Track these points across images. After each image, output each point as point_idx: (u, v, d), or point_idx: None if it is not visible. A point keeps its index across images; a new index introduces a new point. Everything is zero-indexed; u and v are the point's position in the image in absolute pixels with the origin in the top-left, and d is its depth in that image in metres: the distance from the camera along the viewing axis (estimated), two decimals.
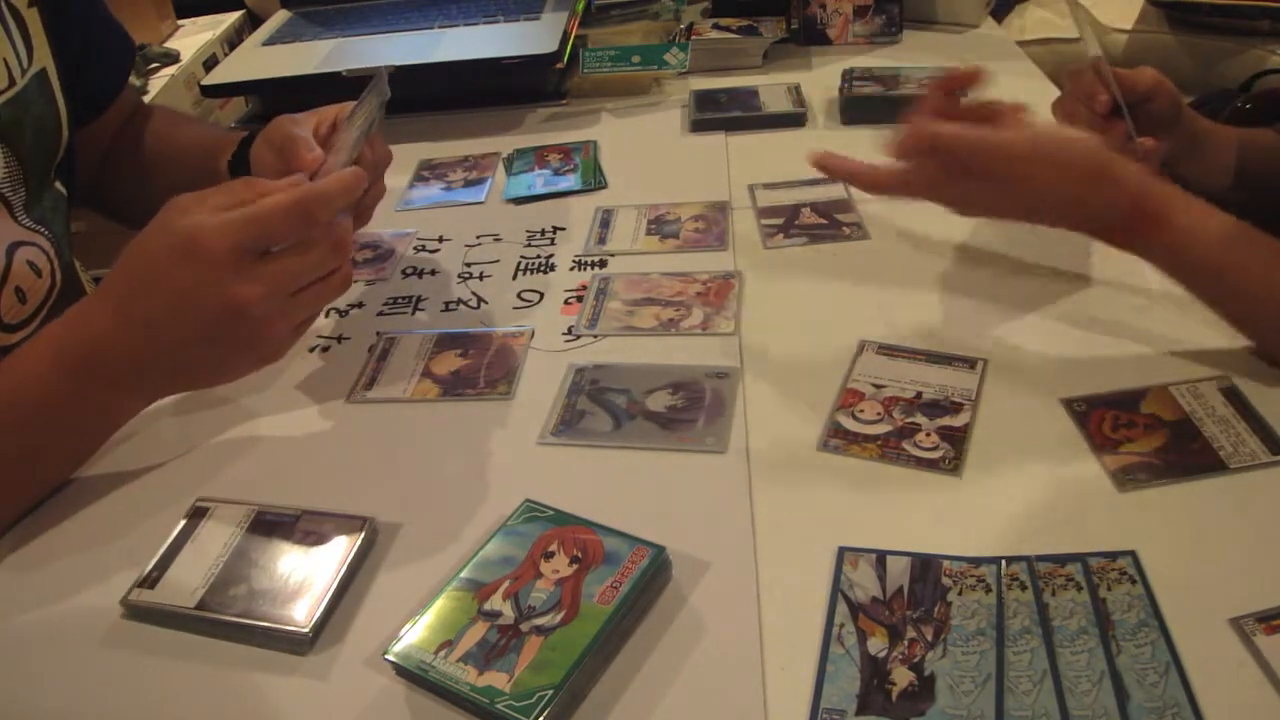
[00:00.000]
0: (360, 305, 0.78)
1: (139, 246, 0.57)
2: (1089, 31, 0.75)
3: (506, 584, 0.50)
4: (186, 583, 0.52)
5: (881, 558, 0.51)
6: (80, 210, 0.91)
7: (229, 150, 0.80)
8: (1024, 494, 0.55)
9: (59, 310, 0.74)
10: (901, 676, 0.45)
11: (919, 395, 0.62)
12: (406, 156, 1.01)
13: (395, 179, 0.96)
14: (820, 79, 1.09)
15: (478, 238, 0.86)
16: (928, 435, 0.59)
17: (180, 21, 1.81)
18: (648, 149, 1.00)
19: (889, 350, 0.66)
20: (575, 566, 0.50)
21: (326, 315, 0.76)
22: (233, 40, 1.79)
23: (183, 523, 0.56)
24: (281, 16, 1.27)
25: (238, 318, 0.55)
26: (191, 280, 0.54)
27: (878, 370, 0.64)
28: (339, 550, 0.53)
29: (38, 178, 0.72)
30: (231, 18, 1.83)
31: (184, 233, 0.54)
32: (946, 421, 0.60)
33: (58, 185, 0.77)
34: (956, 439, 0.58)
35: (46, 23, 0.72)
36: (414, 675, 0.46)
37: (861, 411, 0.61)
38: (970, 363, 0.64)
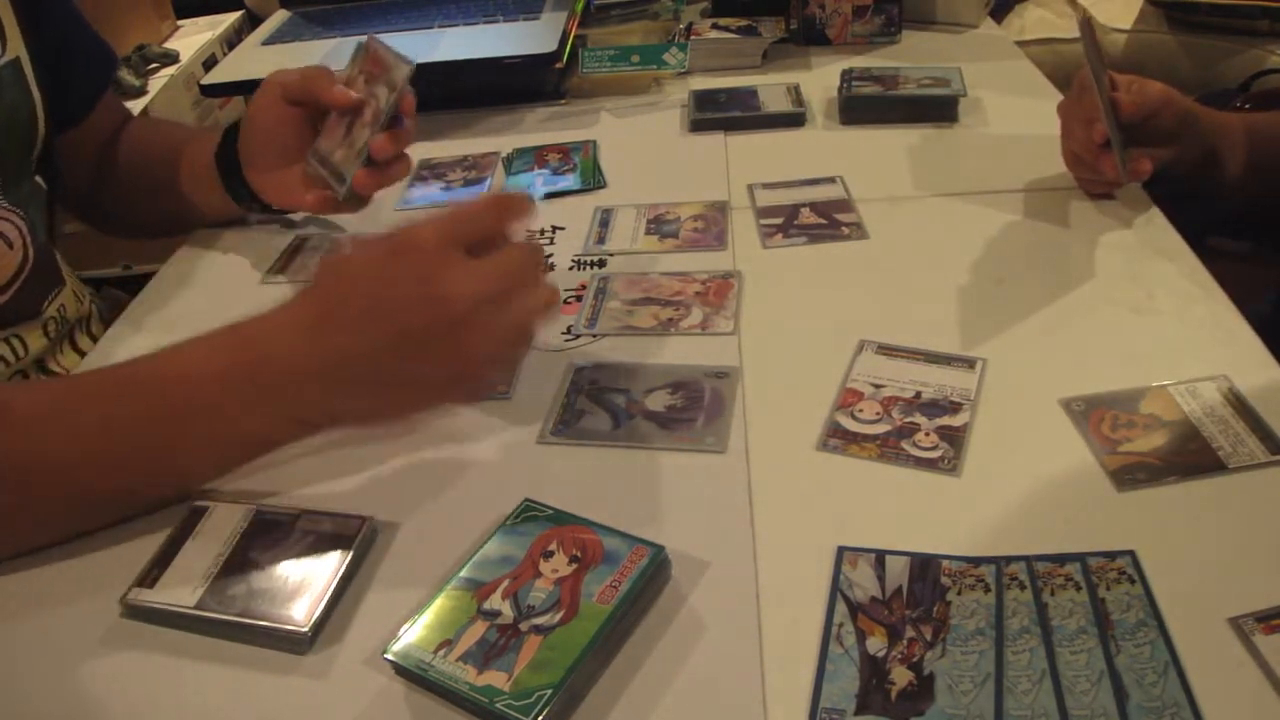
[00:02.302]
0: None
1: (343, 263, 0.55)
2: (1095, 57, 0.74)
3: (506, 583, 0.50)
4: (186, 582, 0.52)
5: (881, 557, 0.51)
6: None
7: (212, 143, 0.81)
8: (1024, 494, 0.55)
9: (32, 286, 0.74)
10: (901, 676, 0.45)
11: (918, 395, 0.62)
12: None
13: None
14: (820, 79, 1.09)
15: None
16: (927, 435, 0.59)
17: (180, 21, 1.82)
18: (647, 149, 1.00)
19: (888, 350, 0.66)
20: (574, 566, 0.50)
21: None
22: (232, 40, 1.79)
23: (182, 522, 0.56)
24: (281, 16, 1.27)
25: (441, 310, 0.51)
26: (398, 272, 0.53)
27: (877, 370, 0.64)
28: (338, 550, 0.53)
29: (15, 164, 0.73)
30: (231, 18, 1.84)
31: (395, 236, 0.54)
32: (946, 421, 0.60)
33: (38, 180, 0.77)
34: (956, 439, 0.58)
35: (20, 16, 0.73)
36: (413, 675, 0.46)
37: (861, 411, 0.61)
38: (969, 363, 0.64)
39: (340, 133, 0.75)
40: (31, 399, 0.57)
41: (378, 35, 0.73)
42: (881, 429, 0.59)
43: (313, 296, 0.55)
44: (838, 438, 0.59)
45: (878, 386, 0.63)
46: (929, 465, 0.57)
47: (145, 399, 0.55)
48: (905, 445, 0.58)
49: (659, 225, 0.84)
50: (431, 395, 0.56)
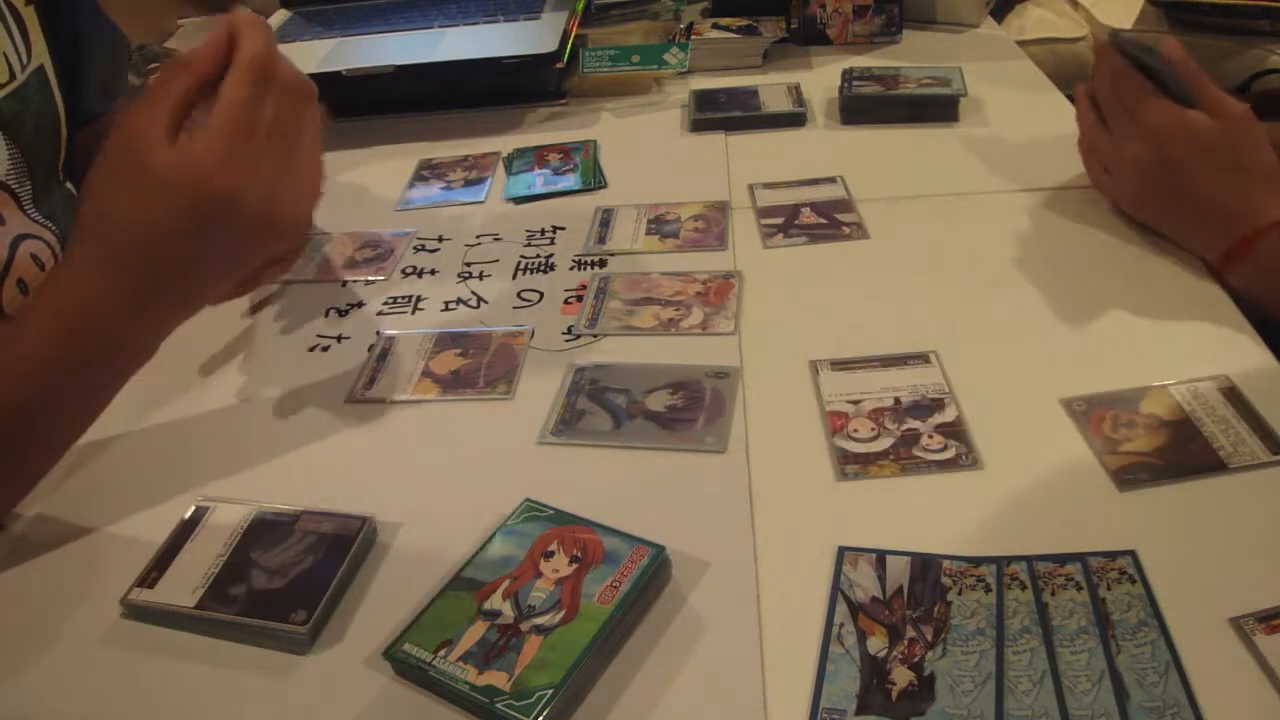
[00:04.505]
0: (360, 305, 0.78)
1: (96, 183, 0.54)
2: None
3: (506, 583, 0.50)
4: (186, 582, 0.52)
5: (881, 557, 0.51)
6: None
7: None
8: (1024, 494, 0.55)
9: None
10: (901, 676, 0.45)
11: (897, 400, 0.61)
12: (406, 156, 1.01)
13: (395, 179, 0.96)
14: (820, 79, 1.09)
15: (478, 237, 0.86)
16: (930, 437, 0.59)
17: (180, 21, 1.82)
18: (647, 149, 1.00)
19: (842, 365, 0.65)
20: (575, 566, 0.50)
21: (326, 315, 0.77)
22: None
23: (183, 522, 0.56)
24: (281, 16, 1.27)
25: (200, 193, 0.52)
26: (138, 184, 0.52)
27: (843, 386, 0.63)
28: (339, 550, 0.53)
29: (43, 173, 0.72)
30: None
31: (114, 143, 0.53)
32: (939, 419, 0.59)
33: (69, 186, 0.77)
34: (959, 433, 0.58)
35: (43, 21, 0.73)
36: (414, 675, 0.47)
37: (856, 431, 0.60)
38: (924, 357, 0.64)
39: None
40: None
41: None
42: (886, 443, 0.59)
43: (90, 226, 0.55)
44: (853, 463, 0.57)
45: (855, 402, 0.62)
46: (951, 465, 0.56)
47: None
48: (917, 452, 0.58)
49: (659, 225, 0.84)
50: (253, 250, 0.57)
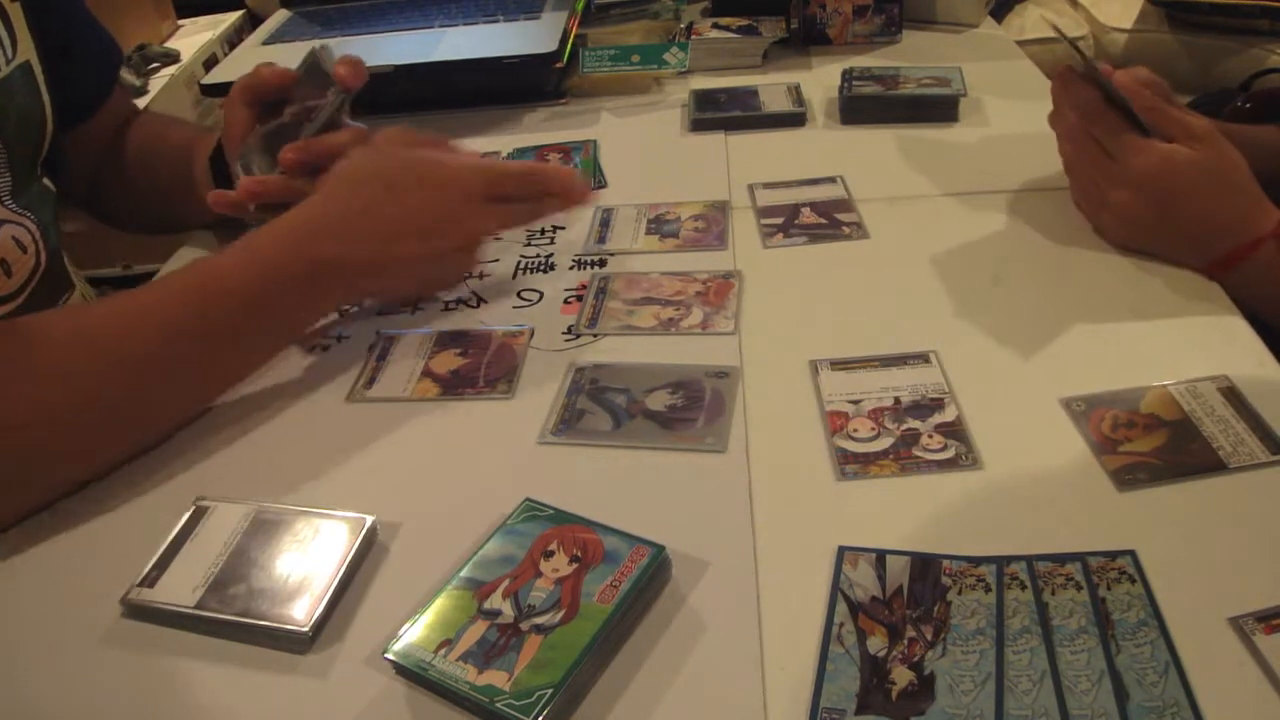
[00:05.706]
0: (360, 305, 0.78)
1: (358, 181, 0.67)
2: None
3: (506, 583, 0.50)
4: (186, 582, 0.52)
5: (881, 557, 0.51)
6: (76, 211, 0.91)
7: (208, 147, 0.81)
8: (1024, 494, 0.55)
9: (44, 290, 0.74)
10: (901, 676, 0.45)
11: (897, 400, 0.61)
12: None
13: None
14: (820, 79, 1.09)
15: None
16: (930, 437, 0.59)
17: (180, 21, 1.82)
18: (647, 149, 1.00)
19: (842, 364, 0.65)
20: (575, 565, 0.50)
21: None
22: (233, 40, 1.79)
23: (183, 522, 0.56)
24: (281, 16, 1.27)
25: (471, 244, 0.71)
26: (444, 205, 0.68)
27: (843, 386, 0.63)
28: (339, 549, 0.53)
29: (23, 167, 0.73)
30: (231, 17, 1.84)
31: (429, 164, 0.69)
32: (939, 419, 0.60)
33: (45, 181, 0.77)
34: (959, 433, 0.58)
35: (29, 19, 0.73)
36: (413, 674, 0.47)
37: (856, 431, 0.60)
38: (924, 357, 0.64)
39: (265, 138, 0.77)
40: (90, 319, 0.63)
41: (328, 46, 0.77)
42: (886, 443, 0.59)
43: (335, 211, 0.67)
44: (852, 463, 0.58)
45: (855, 402, 0.62)
46: (950, 466, 0.56)
47: (189, 312, 0.62)
48: (917, 452, 0.58)
49: (659, 225, 0.84)
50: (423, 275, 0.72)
